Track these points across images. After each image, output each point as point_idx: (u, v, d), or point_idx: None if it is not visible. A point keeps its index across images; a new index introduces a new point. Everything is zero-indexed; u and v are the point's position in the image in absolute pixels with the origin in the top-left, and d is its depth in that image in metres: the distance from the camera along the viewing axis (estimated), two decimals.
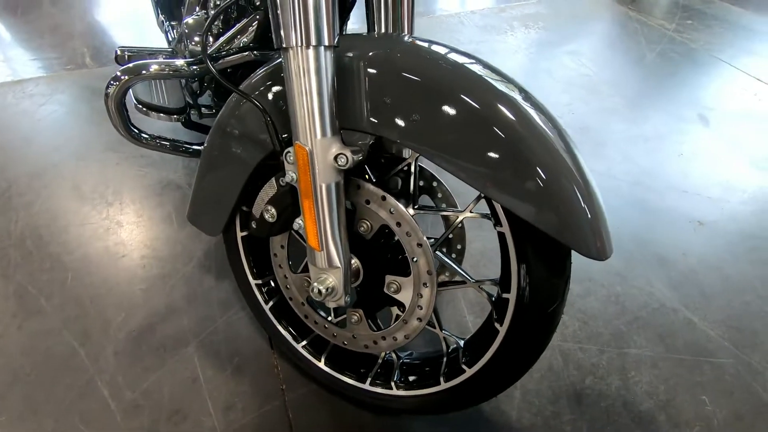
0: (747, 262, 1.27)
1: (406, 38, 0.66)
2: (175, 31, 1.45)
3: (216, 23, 1.12)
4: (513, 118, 0.56)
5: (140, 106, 1.11)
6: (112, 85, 0.84)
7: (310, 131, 0.60)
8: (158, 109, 1.07)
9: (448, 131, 0.58)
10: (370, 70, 0.61)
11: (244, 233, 0.91)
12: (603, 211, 0.58)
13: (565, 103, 1.90)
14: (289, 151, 0.66)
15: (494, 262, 1.25)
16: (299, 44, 0.56)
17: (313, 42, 0.56)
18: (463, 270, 0.80)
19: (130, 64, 0.85)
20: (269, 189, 0.74)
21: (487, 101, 0.57)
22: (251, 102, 0.67)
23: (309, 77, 0.57)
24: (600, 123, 1.80)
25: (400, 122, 0.61)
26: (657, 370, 1.02)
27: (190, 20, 1.17)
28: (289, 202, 0.72)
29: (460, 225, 0.89)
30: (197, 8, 1.27)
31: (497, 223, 0.66)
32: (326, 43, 0.56)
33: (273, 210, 0.73)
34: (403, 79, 0.59)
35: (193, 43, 1.09)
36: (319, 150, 0.61)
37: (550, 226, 0.56)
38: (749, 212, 1.42)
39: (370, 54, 0.61)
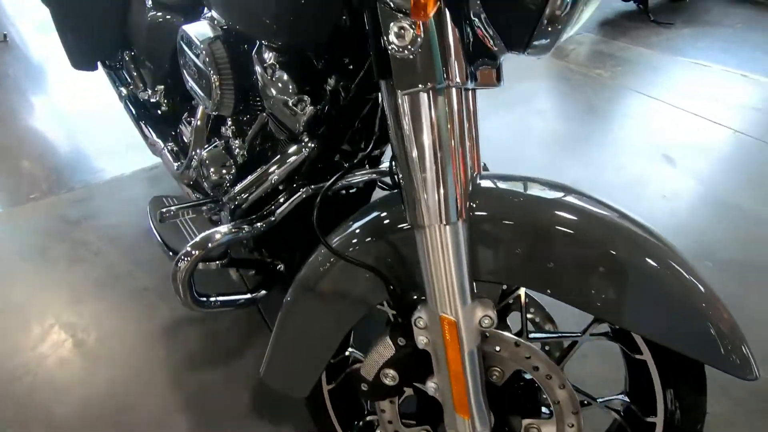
0: None
1: (532, 184, 0.66)
2: (176, 154, 1.37)
3: (241, 152, 1.07)
4: (643, 255, 0.58)
5: (171, 253, 1.02)
6: (183, 260, 0.77)
7: (452, 302, 0.58)
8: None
9: (585, 273, 0.59)
10: (501, 223, 0.60)
11: (331, 386, 0.84)
12: (738, 325, 0.60)
13: (548, 162, 2.01)
14: (420, 317, 0.62)
15: (588, 372, 1.19)
16: (439, 222, 0.54)
17: (453, 219, 0.55)
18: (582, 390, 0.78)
19: (198, 238, 0.78)
20: (384, 350, 0.69)
21: (620, 244, 0.58)
22: (369, 269, 0.64)
23: (447, 252, 0.56)
24: (585, 177, 1.92)
25: (535, 270, 0.60)
26: None
27: (207, 154, 1.11)
28: (413, 364, 0.67)
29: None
30: (204, 131, 1.21)
31: (632, 350, 0.66)
32: (463, 216, 0.55)
33: (393, 373, 0.69)
34: (535, 229, 0.59)
35: (229, 193, 1.02)
36: (464, 318, 0.59)
37: (699, 352, 0.57)
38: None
39: (498, 206, 0.61)
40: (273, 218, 0.87)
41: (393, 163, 0.57)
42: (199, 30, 0.94)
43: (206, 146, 1.18)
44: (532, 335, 0.73)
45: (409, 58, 0.48)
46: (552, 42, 0.52)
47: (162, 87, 1.41)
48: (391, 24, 0.47)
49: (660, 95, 2.50)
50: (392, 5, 0.41)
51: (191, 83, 1.02)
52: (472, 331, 0.60)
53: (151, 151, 1.49)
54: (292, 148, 0.93)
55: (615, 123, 2.33)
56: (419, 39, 0.47)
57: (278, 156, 0.95)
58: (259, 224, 0.85)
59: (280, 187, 0.99)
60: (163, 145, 1.39)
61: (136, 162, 2.00)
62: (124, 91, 1.61)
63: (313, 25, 0.76)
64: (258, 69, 0.88)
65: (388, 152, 1.06)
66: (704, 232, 1.63)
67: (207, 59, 0.90)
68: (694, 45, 3.04)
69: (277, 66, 0.86)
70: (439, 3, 0.44)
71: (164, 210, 0.94)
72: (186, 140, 1.35)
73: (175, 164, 1.33)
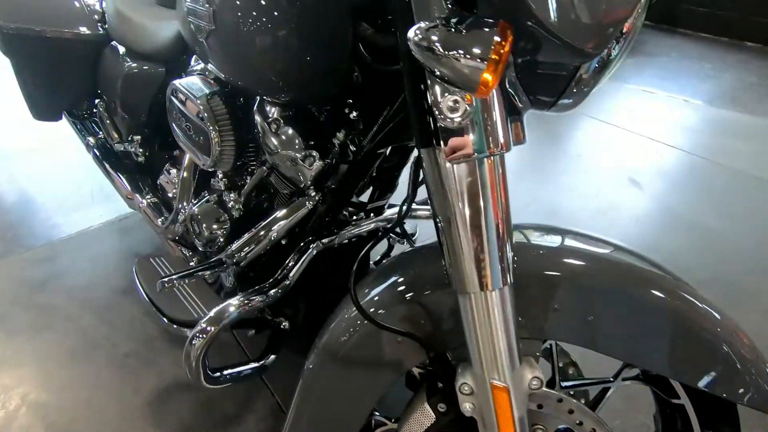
0: None
1: (554, 234, 0.67)
2: (158, 207, 1.30)
3: (236, 206, 1.03)
4: (674, 301, 0.59)
5: (167, 321, 0.95)
6: (198, 338, 0.71)
7: (501, 367, 0.57)
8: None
9: (624, 323, 0.60)
10: (538, 279, 0.60)
11: None
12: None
13: (525, 190, 2.07)
14: (465, 383, 0.60)
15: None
16: (486, 289, 0.54)
17: (500, 284, 0.54)
18: None
19: (212, 313, 0.73)
20: (423, 418, 0.67)
21: (653, 291, 0.60)
22: (407, 336, 0.61)
23: (495, 317, 0.55)
24: (564, 205, 1.98)
25: (575, 325, 0.60)
26: None
27: (199, 209, 1.06)
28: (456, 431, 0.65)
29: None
30: (191, 183, 1.15)
31: (668, 394, 0.67)
32: (511, 281, 0.55)
33: None
34: (573, 283, 0.60)
35: (225, 250, 0.97)
36: (514, 383, 0.57)
37: (737, 396, 0.58)
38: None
39: (534, 262, 0.61)
40: (288, 282, 0.83)
41: (437, 228, 0.56)
42: (193, 84, 0.91)
43: (195, 200, 1.13)
44: (564, 384, 0.72)
45: (458, 128, 0.48)
46: (577, 102, 0.54)
47: (139, 137, 1.35)
48: (445, 97, 0.46)
49: (615, 120, 2.66)
50: (450, 80, 0.40)
51: (185, 140, 0.98)
52: (523, 395, 0.59)
53: (128, 205, 1.41)
54: (298, 202, 0.90)
55: (578, 148, 2.45)
56: (470, 109, 0.47)
57: (281, 210, 0.91)
58: (273, 291, 0.80)
59: (283, 242, 0.95)
60: (142, 199, 1.32)
61: (103, 213, 1.89)
62: (92, 141, 1.52)
63: (323, 81, 0.75)
64: (260, 124, 0.86)
65: (393, 199, 1.06)
66: (678, 252, 1.71)
67: (206, 115, 0.87)
68: (639, 73, 3.28)
69: (282, 121, 0.84)
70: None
71: (165, 280, 0.87)
72: (169, 193, 1.29)
73: (158, 219, 1.26)
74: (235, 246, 0.96)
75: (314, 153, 0.83)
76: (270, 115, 0.85)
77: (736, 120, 2.72)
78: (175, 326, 0.91)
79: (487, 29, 0.39)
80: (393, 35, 0.63)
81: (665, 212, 1.95)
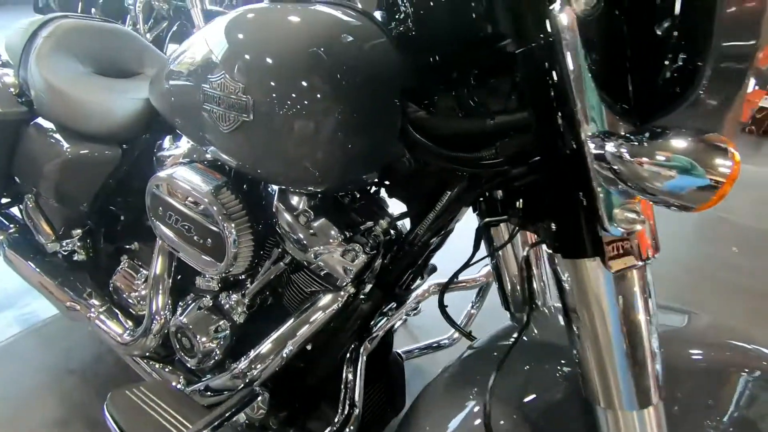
0: None
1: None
2: (113, 316, 1.05)
3: (240, 309, 0.86)
4: None
5: None
6: None
7: None
8: None
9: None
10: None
11: None
12: None
13: None
14: None
15: None
16: (637, 407, 0.49)
17: (654, 400, 0.49)
18: None
19: None
20: None
21: None
22: None
23: None
24: None
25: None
26: None
27: (189, 318, 0.87)
28: None
29: None
30: (165, 282, 0.94)
31: None
32: (663, 396, 0.50)
33: None
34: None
35: (230, 368, 0.80)
36: None
37: None
38: None
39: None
40: (357, 409, 0.69)
41: (573, 337, 0.50)
42: (190, 176, 0.75)
43: (176, 303, 0.93)
44: None
45: (623, 237, 0.43)
46: None
47: (79, 231, 1.11)
48: (619, 209, 0.41)
49: None
50: (662, 197, 0.36)
51: (182, 244, 0.80)
52: None
53: (68, 317, 1.13)
54: (331, 300, 0.77)
55: None
56: (642, 217, 0.42)
57: (308, 312, 0.78)
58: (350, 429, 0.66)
59: (308, 347, 0.81)
60: (91, 308, 1.06)
61: (12, 322, 1.52)
62: (1, 238, 1.23)
63: (367, 167, 0.65)
64: (286, 217, 0.72)
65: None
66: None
67: (215, 210, 0.71)
68: None
69: (313, 212, 0.72)
70: None
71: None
72: (130, 298, 1.05)
73: (119, 331, 1.02)
74: (246, 362, 0.79)
75: (356, 246, 0.71)
76: (298, 206, 0.72)
77: None
78: None
79: (712, 147, 0.35)
80: (444, 116, 0.57)
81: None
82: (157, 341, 0.96)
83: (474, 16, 0.48)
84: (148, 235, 1.08)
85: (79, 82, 1.07)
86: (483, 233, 0.76)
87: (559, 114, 0.42)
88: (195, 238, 0.76)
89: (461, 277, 0.77)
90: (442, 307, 0.81)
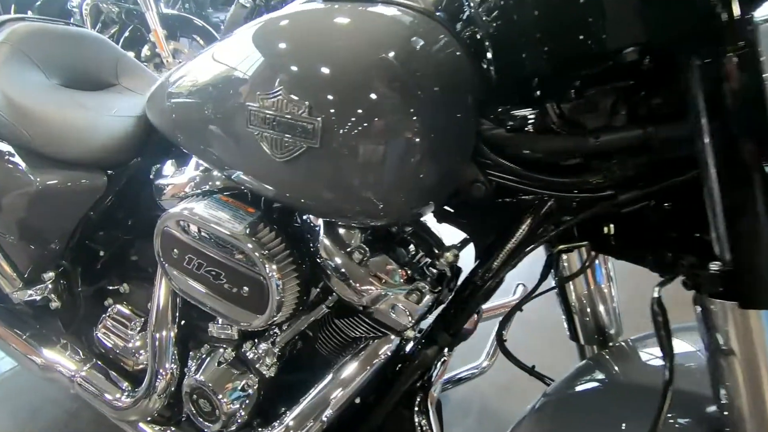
0: None
1: None
2: (104, 373, 0.88)
3: (271, 361, 0.73)
4: None
5: None
6: None
7: None
8: None
9: None
10: None
11: None
12: None
13: None
14: None
15: None
16: None
17: None
18: None
19: None
20: None
21: None
22: None
23: None
24: None
25: None
26: None
27: (208, 376, 0.73)
28: None
29: None
30: (173, 332, 0.80)
31: None
32: None
33: None
34: None
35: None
36: None
37: None
38: None
39: None
40: None
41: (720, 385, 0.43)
42: (212, 212, 0.62)
43: (185, 355, 0.79)
44: None
45: None
46: None
47: (52, 274, 0.93)
48: None
49: None
50: None
51: (208, 296, 0.66)
52: None
53: (41, 376, 0.94)
54: (387, 348, 0.66)
55: None
56: None
57: (356, 361, 0.67)
58: None
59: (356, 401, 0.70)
60: (75, 366, 0.88)
61: None
62: None
63: (436, 194, 0.56)
64: (334, 255, 0.61)
65: None
66: None
67: (253, 251, 0.58)
68: None
69: (369, 249, 0.61)
70: None
71: None
72: (123, 350, 0.89)
73: (113, 394, 0.86)
74: (294, 421, 0.67)
75: (420, 284, 0.61)
76: (350, 242, 0.61)
77: None
78: None
79: None
80: (529, 134, 0.49)
81: None
82: (163, 402, 0.81)
83: (595, 18, 0.40)
84: (139, 274, 0.92)
85: (44, 96, 0.89)
86: (554, 261, 0.68)
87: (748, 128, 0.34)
88: (226, 286, 0.62)
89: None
90: (501, 343, 0.73)
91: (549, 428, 0.59)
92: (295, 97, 0.47)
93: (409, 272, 0.61)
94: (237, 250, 0.60)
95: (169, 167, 0.77)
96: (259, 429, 0.73)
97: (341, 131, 0.46)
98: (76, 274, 0.94)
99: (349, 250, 0.60)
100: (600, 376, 0.62)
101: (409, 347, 0.68)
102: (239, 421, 0.74)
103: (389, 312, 0.63)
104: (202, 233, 0.62)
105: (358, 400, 0.69)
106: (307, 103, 0.46)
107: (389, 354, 0.67)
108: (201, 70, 0.60)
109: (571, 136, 0.47)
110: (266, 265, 0.59)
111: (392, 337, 0.66)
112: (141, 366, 0.87)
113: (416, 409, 0.65)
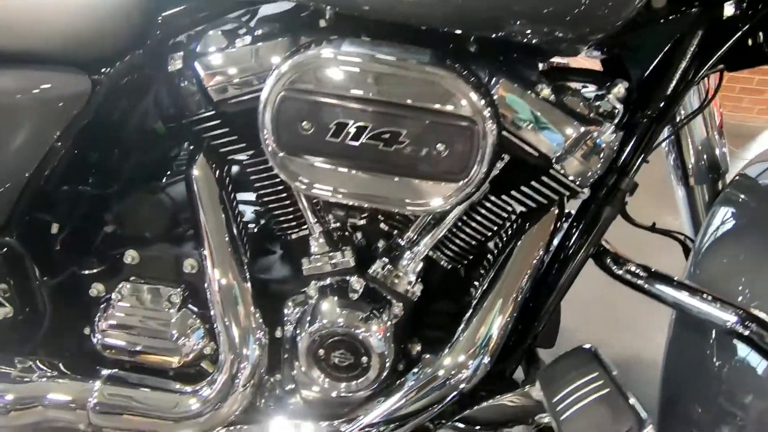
0: None
1: None
2: None
3: None
4: None
5: None
6: None
7: None
8: None
9: None
10: None
11: None
12: None
13: None
14: None
15: None
16: None
17: None
18: None
19: None
20: None
21: None
22: None
23: None
24: None
25: None
26: None
27: (336, 321, 0.54)
28: None
29: None
30: (238, 290, 0.57)
31: None
32: None
33: None
34: None
35: None
36: None
37: None
38: None
39: None
40: None
41: None
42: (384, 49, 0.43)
43: (275, 317, 0.57)
44: None
45: None
46: None
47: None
48: None
49: None
50: None
51: (377, 179, 0.46)
52: None
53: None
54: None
55: None
56: None
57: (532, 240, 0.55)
58: None
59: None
60: (86, 387, 0.56)
61: None
62: None
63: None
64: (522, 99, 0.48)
65: None
66: None
67: (461, 86, 0.42)
68: None
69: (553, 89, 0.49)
70: None
71: None
72: (149, 340, 0.59)
73: (166, 403, 0.57)
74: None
75: (606, 123, 0.52)
76: (536, 80, 0.48)
77: None
78: None
79: None
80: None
81: None
82: (253, 393, 0.57)
83: None
84: (157, 230, 0.62)
85: None
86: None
87: None
88: (407, 151, 0.44)
89: None
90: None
91: None
92: None
93: (589, 111, 0.52)
94: (425, 95, 0.42)
95: (218, 37, 0.53)
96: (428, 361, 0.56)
97: None
98: (31, 255, 0.60)
99: (537, 88, 0.49)
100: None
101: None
102: (389, 361, 0.55)
103: (574, 162, 0.52)
104: (364, 80, 0.43)
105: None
106: None
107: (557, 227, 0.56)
108: None
109: None
110: (475, 101, 0.43)
111: (555, 210, 0.56)
112: (190, 352, 0.60)
113: None
